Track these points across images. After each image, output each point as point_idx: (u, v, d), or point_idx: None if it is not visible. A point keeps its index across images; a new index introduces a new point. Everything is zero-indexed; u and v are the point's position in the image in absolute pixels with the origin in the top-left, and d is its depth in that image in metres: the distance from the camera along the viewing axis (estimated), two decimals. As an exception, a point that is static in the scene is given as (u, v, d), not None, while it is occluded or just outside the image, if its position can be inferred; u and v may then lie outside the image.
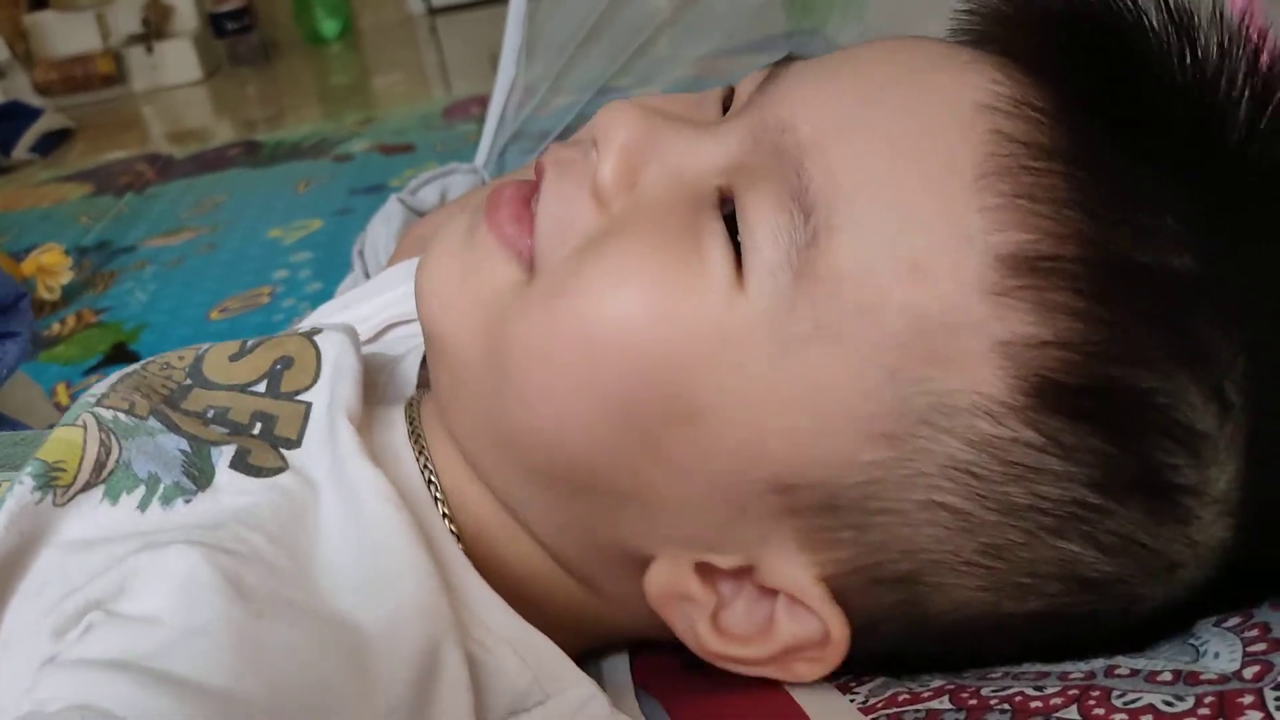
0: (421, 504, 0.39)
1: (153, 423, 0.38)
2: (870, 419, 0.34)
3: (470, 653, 0.35)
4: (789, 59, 0.40)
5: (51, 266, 1.05)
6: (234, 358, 0.42)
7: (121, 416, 0.37)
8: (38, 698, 0.30)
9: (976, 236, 0.33)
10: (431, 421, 0.42)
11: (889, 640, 0.37)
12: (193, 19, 2.18)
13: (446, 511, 0.40)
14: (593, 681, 0.37)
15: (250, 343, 0.43)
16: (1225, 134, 0.34)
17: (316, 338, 0.43)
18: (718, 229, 0.35)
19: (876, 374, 0.33)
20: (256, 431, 0.39)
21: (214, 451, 0.38)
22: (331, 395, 0.40)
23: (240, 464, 0.37)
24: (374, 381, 0.45)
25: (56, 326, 1.04)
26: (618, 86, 1.28)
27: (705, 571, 0.37)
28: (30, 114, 1.83)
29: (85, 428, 0.37)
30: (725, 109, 0.40)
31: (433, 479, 0.40)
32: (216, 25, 2.22)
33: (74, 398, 0.87)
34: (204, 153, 1.65)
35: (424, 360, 0.47)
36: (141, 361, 0.44)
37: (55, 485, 0.35)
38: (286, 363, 0.42)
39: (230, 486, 0.37)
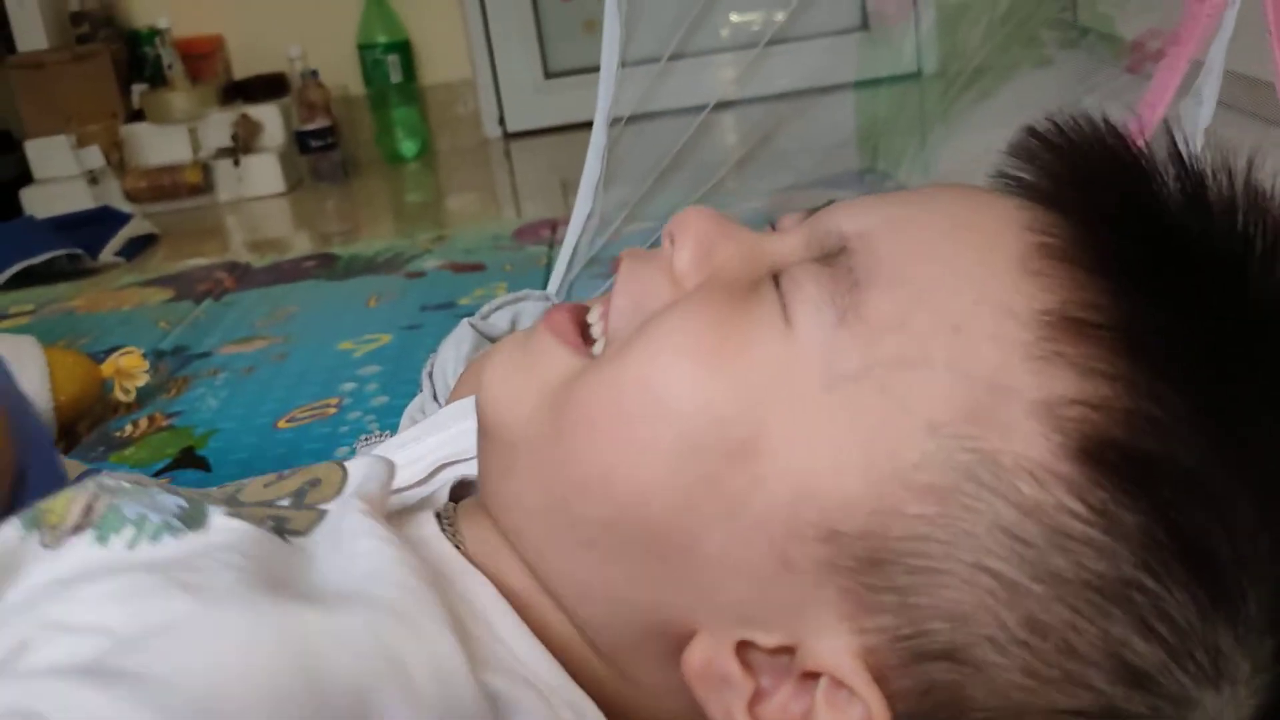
0: (453, 570, 0.41)
1: (155, 490, 0.39)
2: (915, 469, 0.34)
3: (490, 685, 0.36)
4: (830, 204, 0.43)
5: (129, 369, 1.08)
6: (269, 485, 0.44)
7: (126, 485, 0.39)
8: None
9: (1018, 302, 0.35)
10: (468, 520, 0.44)
11: None
12: (279, 135, 2.27)
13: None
14: None
15: (288, 471, 0.45)
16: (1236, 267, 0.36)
17: (347, 463, 0.44)
18: (769, 285, 0.39)
19: (920, 426, 0.35)
20: (269, 527, 0.40)
21: (210, 507, 0.39)
22: (355, 491, 0.42)
23: (235, 516, 0.39)
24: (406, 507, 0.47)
25: (129, 428, 1.06)
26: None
27: (745, 655, 0.37)
28: (119, 219, 1.90)
29: (86, 489, 0.38)
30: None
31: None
32: (302, 142, 2.30)
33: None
34: (281, 263, 1.70)
35: (453, 485, 0.49)
36: None
37: (43, 525, 0.37)
38: (314, 483, 0.43)
39: (222, 527, 0.38)
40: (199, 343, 1.32)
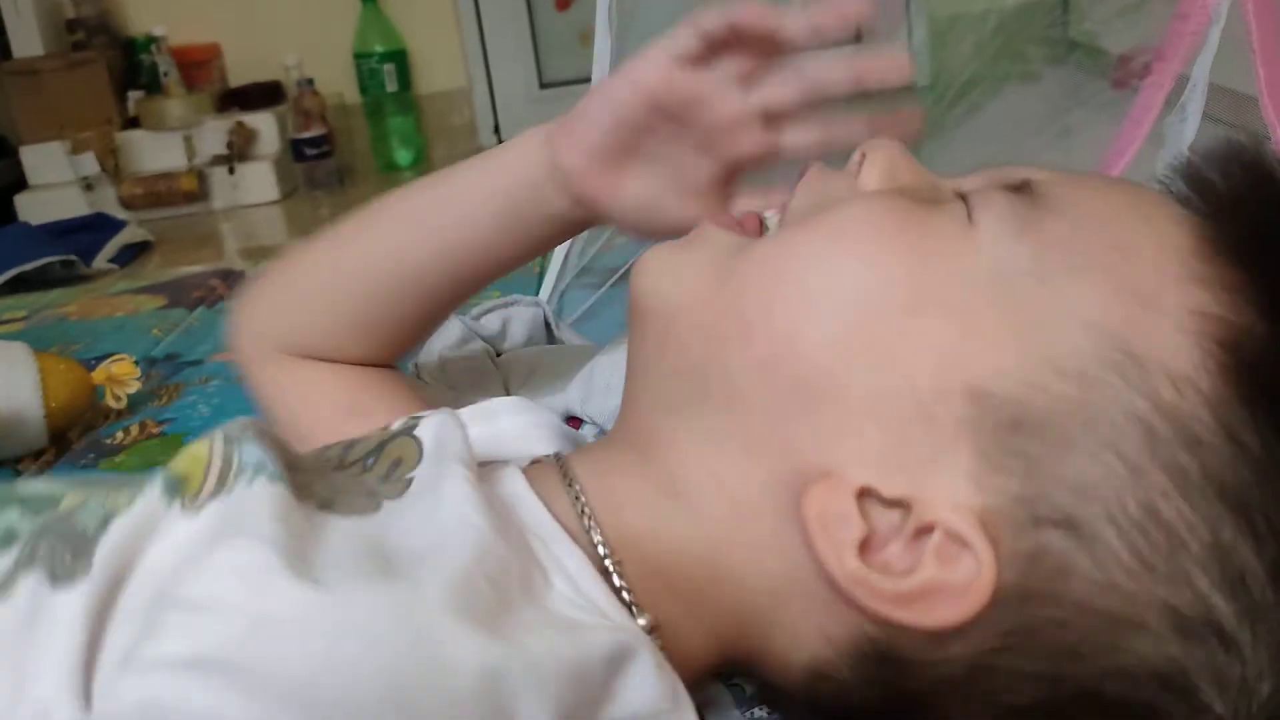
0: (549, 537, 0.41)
1: (267, 442, 0.40)
2: (1067, 356, 0.37)
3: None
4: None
5: (121, 377, 1.08)
6: (351, 464, 0.46)
7: (249, 433, 0.39)
8: (105, 707, 0.31)
9: (1179, 239, 0.39)
10: (584, 467, 0.46)
11: (998, 637, 0.37)
12: (275, 143, 2.28)
13: (601, 539, 0.42)
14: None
15: (369, 463, 0.45)
16: None
17: (416, 431, 0.45)
18: (954, 198, 0.42)
19: (1077, 322, 0.38)
20: (363, 494, 0.41)
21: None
22: (439, 454, 0.43)
23: (330, 508, 0.39)
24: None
25: (120, 435, 1.07)
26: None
27: (864, 503, 0.39)
28: (113, 226, 1.90)
29: (211, 442, 0.39)
30: None
31: (585, 506, 0.43)
32: (297, 150, 2.31)
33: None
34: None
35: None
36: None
37: (183, 493, 0.37)
38: (395, 463, 0.44)
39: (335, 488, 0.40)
40: (191, 350, 1.32)
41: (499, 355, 0.74)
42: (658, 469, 0.43)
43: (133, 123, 2.27)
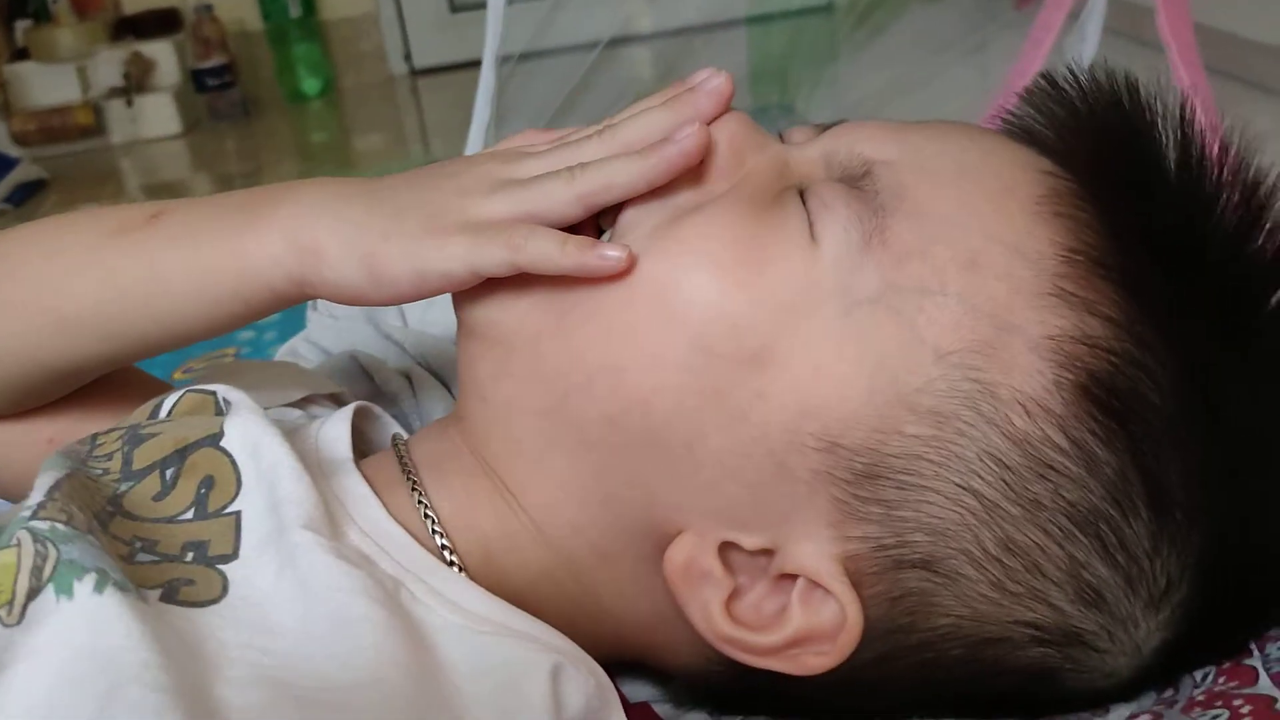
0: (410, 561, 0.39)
1: (92, 539, 0.35)
2: (918, 393, 0.37)
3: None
4: (841, 123, 0.44)
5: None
6: (158, 497, 0.40)
7: (60, 527, 0.35)
8: None
9: (1028, 244, 0.37)
10: (424, 459, 0.43)
11: (870, 657, 0.38)
12: (174, 74, 2.20)
13: (448, 543, 0.40)
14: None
15: (169, 476, 0.40)
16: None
17: (224, 443, 0.41)
18: (796, 200, 0.39)
19: (929, 353, 0.37)
20: (189, 559, 0.37)
21: (146, 594, 0.35)
22: (272, 500, 0.38)
23: (172, 599, 0.35)
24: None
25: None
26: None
27: (726, 555, 0.38)
28: (6, 164, 1.83)
29: (19, 545, 0.34)
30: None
31: (429, 512, 0.41)
32: (198, 81, 2.23)
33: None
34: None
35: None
36: (74, 449, 0.42)
37: None
38: (208, 484, 0.40)
39: (173, 618, 0.34)
40: (90, 292, 1.28)
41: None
42: (512, 504, 0.42)
43: (21, 54, 2.17)
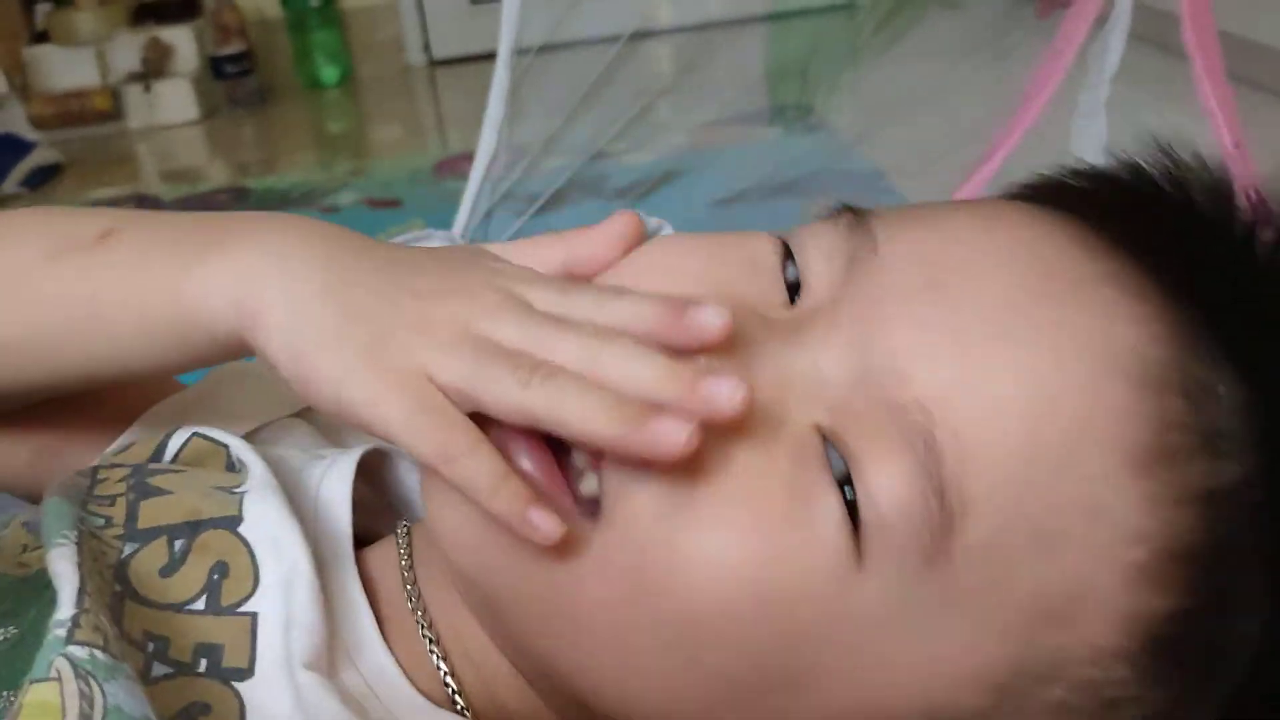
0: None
1: (127, 667, 0.33)
2: (979, 672, 0.34)
3: None
4: (850, 210, 0.37)
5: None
6: (165, 571, 0.38)
7: (99, 655, 0.33)
8: None
9: (1118, 513, 0.33)
10: (431, 573, 0.40)
11: None
12: (193, 60, 2.19)
13: (453, 685, 0.38)
14: None
15: (178, 548, 0.38)
16: None
17: (241, 529, 0.39)
18: (830, 494, 0.33)
19: (994, 636, 0.33)
20: (203, 669, 0.36)
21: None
22: (287, 614, 0.37)
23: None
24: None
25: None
26: (612, 152, 1.29)
27: None
28: (23, 147, 1.82)
29: (60, 679, 0.32)
30: (785, 265, 0.37)
31: (433, 647, 0.39)
32: (216, 68, 2.23)
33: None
34: (191, 197, 1.65)
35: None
36: (75, 483, 0.40)
37: None
38: (222, 570, 0.38)
39: None
40: (103, 279, 1.28)
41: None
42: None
43: (41, 37, 2.17)
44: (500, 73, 0.91)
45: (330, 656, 0.37)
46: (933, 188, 0.96)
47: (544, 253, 0.39)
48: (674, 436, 0.31)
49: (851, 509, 0.33)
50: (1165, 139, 0.38)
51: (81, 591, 0.34)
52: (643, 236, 0.39)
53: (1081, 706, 0.34)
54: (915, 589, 0.33)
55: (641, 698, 0.35)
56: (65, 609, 0.34)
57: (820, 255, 0.37)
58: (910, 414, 0.32)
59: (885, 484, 0.32)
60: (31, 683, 0.32)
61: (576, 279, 0.38)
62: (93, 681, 0.32)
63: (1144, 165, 0.38)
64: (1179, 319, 0.34)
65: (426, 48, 2.51)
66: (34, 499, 0.48)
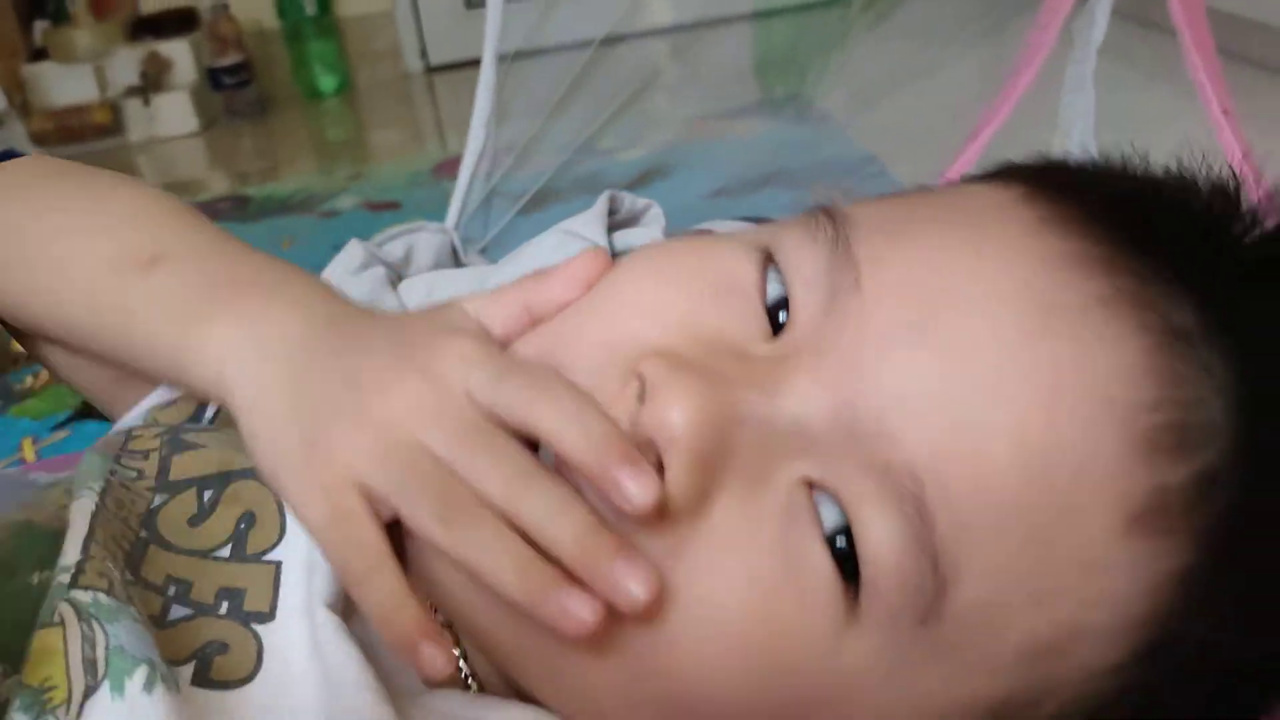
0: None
1: (133, 609, 0.34)
2: (971, 705, 0.34)
3: None
4: (829, 217, 0.36)
5: (26, 319, 1.05)
6: (193, 520, 0.39)
7: (103, 598, 0.34)
8: None
9: (1114, 569, 0.33)
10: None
11: None
12: (191, 72, 2.20)
13: (466, 669, 0.39)
14: None
15: (208, 499, 0.40)
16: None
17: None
18: (820, 550, 0.32)
19: (983, 677, 0.34)
20: (223, 611, 0.37)
21: (178, 670, 0.35)
22: (311, 558, 0.38)
23: (203, 680, 0.35)
24: None
25: (29, 380, 1.04)
26: (606, 148, 1.29)
27: None
28: (24, 164, 1.83)
29: (64, 624, 0.33)
30: (766, 280, 0.36)
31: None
32: (214, 79, 2.24)
33: (40, 455, 0.86)
34: (192, 206, 1.66)
35: None
36: (110, 441, 0.42)
37: (51, 709, 0.32)
38: (249, 520, 0.39)
39: (205, 705, 0.34)
40: (105, 289, 1.29)
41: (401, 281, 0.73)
42: None
43: (40, 55, 2.18)
44: (486, 69, 0.91)
45: (347, 607, 0.38)
46: (926, 170, 0.96)
47: (505, 304, 0.39)
48: (578, 616, 0.31)
49: (843, 563, 0.33)
50: (1153, 116, 0.38)
51: (89, 539, 0.36)
52: (606, 268, 0.38)
53: (1073, 714, 0.35)
54: (908, 646, 0.33)
55: None
56: (70, 555, 0.35)
57: (801, 282, 0.35)
58: (900, 478, 0.32)
59: (877, 544, 0.32)
60: (39, 629, 0.33)
61: (521, 361, 0.37)
62: (95, 624, 0.33)
63: (1143, 159, 0.38)
64: (1177, 349, 0.33)
65: (424, 54, 2.52)
66: (112, 418, 0.53)
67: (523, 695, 0.39)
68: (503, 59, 0.91)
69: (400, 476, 0.34)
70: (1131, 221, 0.35)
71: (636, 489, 0.31)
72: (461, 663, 0.39)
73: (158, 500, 0.40)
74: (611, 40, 1.14)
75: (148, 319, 0.43)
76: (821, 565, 0.32)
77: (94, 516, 0.37)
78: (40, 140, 2.08)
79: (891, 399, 0.32)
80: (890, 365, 0.33)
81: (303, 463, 0.35)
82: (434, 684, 0.38)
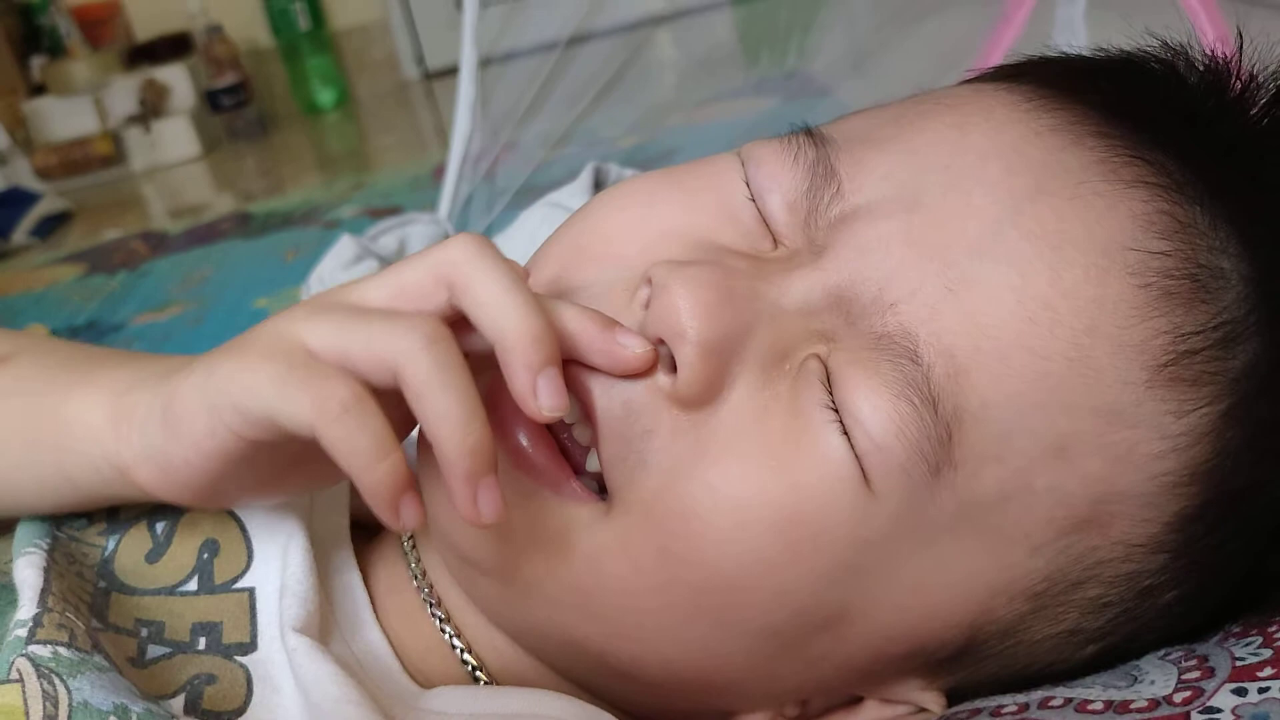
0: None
1: (99, 659, 0.33)
2: (1014, 585, 0.34)
3: None
4: (809, 136, 0.36)
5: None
6: (151, 556, 0.38)
7: (63, 652, 0.32)
8: None
9: (1138, 416, 0.32)
10: (431, 558, 0.40)
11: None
12: (189, 97, 2.21)
13: (473, 661, 0.38)
14: None
15: (160, 530, 0.38)
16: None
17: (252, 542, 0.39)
18: (832, 428, 0.32)
19: (1021, 551, 0.33)
20: (202, 647, 0.36)
21: (168, 704, 0.34)
22: (281, 581, 0.37)
23: (194, 710, 0.34)
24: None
25: None
26: (600, 137, 1.29)
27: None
28: (29, 198, 1.85)
29: (22, 681, 0.31)
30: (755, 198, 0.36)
31: (445, 627, 0.38)
32: (213, 101, 2.24)
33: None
34: (196, 227, 1.66)
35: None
36: (50, 528, 0.38)
37: None
38: (212, 548, 0.38)
39: None
40: (113, 315, 1.29)
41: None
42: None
43: (39, 90, 2.20)
44: (467, 52, 0.91)
45: (323, 627, 0.37)
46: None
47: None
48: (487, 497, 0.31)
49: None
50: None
51: (45, 592, 0.34)
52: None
53: (1118, 599, 0.34)
54: (929, 504, 0.32)
55: (686, 664, 0.35)
56: (26, 610, 0.34)
57: (783, 206, 0.36)
58: (895, 339, 0.32)
59: (870, 409, 0.32)
60: None
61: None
62: (56, 680, 0.31)
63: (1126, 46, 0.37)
64: (1177, 199, 0.33)
65: (420, 60, 2.52)
66: None
67: (530, 681, 0.38)
68: (487, 63, 0.91)
69: (344, 317, 0.32)
70: (1122, 90, 0.35)
71: (546, 391, 0.31)
72: (466, 655, 0.38)
73: (110, 545, 0.38)
74: (593, 34, 1.14)
75: (11, 416, 0.38)
76: (832, 436, 0.32)
77: (46, 571, 0.35)
78: (45, 174, 2.09)
79: (889, 271, 0.33)
80: (885, 240, 0.33)
81: (233, 354, 0.32)
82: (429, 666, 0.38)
